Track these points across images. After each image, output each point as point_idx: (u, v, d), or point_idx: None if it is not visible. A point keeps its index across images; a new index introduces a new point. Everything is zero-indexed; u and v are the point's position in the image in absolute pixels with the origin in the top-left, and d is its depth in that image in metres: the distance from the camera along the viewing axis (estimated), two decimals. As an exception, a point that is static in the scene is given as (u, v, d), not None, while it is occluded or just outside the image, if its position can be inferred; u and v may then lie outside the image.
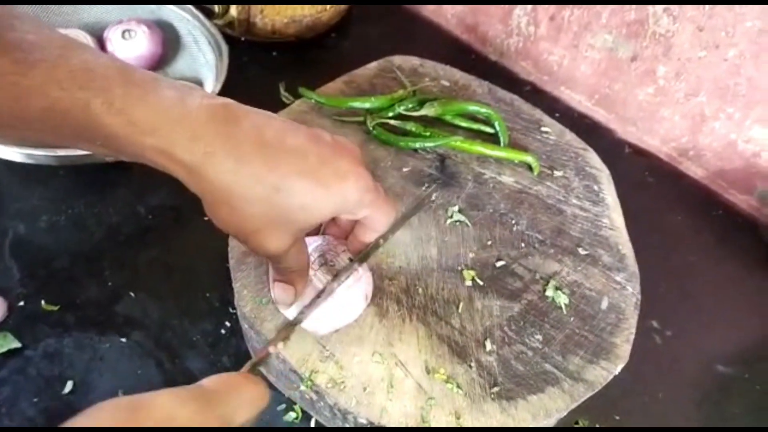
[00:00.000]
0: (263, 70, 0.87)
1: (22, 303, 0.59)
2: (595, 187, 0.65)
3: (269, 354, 0.45)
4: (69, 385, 0.54)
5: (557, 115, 0.75)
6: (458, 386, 0.48)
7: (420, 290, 0.54)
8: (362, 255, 0.51)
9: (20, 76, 0.32)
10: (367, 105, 0.65)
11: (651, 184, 0.82)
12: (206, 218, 0.65)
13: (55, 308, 0.59)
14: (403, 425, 0.46)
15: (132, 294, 0.61)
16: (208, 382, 0.32)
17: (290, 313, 0.49)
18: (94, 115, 0.32)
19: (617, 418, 0.58)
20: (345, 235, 0.51)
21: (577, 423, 0.57)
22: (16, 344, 0.56)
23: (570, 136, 0.70)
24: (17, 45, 0.32)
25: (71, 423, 0.27)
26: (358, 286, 0.50)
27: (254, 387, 0.34)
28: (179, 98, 0.34)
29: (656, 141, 0.86)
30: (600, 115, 0.89)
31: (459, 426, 0.47)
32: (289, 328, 0.48)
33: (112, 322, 0.59)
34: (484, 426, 0.47)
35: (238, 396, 0.32)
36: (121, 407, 0.28)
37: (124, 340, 0.58)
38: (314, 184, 0.37)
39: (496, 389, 0.49)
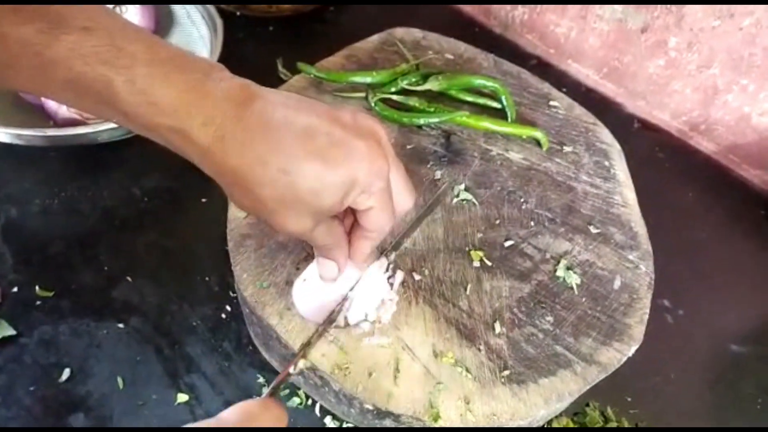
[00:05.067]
0: (259, 46, 0.84)
1: (15, 289, 0.57)
2: (606, 163, 0.62)
3: (290, 375, 0.43)
4: (66, 373, 0.53)
5: (564, 90, 0.72)
6: (467, 370, 0.47)
7: (426, 272, 0.52)
8: (390, 247, 0.49)
9: (44, 47, 0.31)
10: (368, 79, 0.62)
11: (661, 160, 0.80)
12: (204, 200, 0.63)
13: (50, 294, 0.57)
14: (411, 411, 0.45)
15: (129, 279, 0.59)
16: (228, 414, 0.33)
17: (310, 314, 0.47)
18: (115, 93, 0.33)
19: (629, 399, 0.57)
20: None
21: (588, 405, 0.55)
22: (11, 331, 0.54)
23: (579, 111, 0.67)
24: (43, 14, 0.31)
25: None
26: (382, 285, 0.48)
27: (274, 413, 0.34)
28: (200, 80, 0.34)
29: (666, 115, 0.83)
30: (608, 89, 0.87)
31: (469, 410, 0.45)
32: (308, 344, 0.46)
33: (109, 308, 0.57)
34: (495, 411, 0.45)
35: (259, 425, 0.33)
36: None
37: (121, 326, 0.56)
38: (322, 165, 0.35)
39: (506, 373, 0.47)
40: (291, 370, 0.43)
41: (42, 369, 0.53)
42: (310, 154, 0.35)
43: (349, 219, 0.44)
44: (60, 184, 0.65)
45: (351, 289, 0.47)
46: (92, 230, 0.62)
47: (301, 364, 0.44)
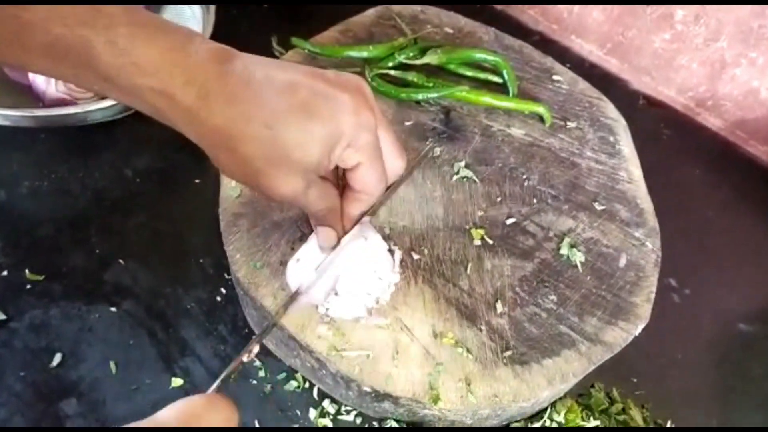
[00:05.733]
0: (253, 24, 0.82)
1: (5, 273, 0.56)
2: (611, 139, 0.61)
3: (242, 363, 0.38)
4: (57, 358, 0.52)
5: (567, 66, 0.70)
6: (468, 351, 0.45)
7: (425, 251, 0.50)
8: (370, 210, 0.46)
9: (21, 9, 0.31)
10: (364, 54, 0.60)
11: (667, 137, 0.78)
12: (197, 181, 0.61)
13: (40, 278, 0.56)
14: (410, 393, 0.44)
15: (121, 261, 0.58)
16: (165, 413, 0.27)
17: (294, 285, 0.45)
18: (96, 55, 0.32)
19: (634, 380, 0.56)
20: None
21: (592, 386, 0.54)
22: (1, 316, 0.53)
23: (584, 85, 0.65)
24: None
25: None
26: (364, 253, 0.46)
27: (220, 412, 0.28)
28: (182, 41, 0.34)
29: (672, 91, 0.81)
30: (612, 65, 0.84)
31: (470, 392, 0.44)
32: (286, 305, 0.43)
33: (100, 291, 0.56)
34: (497, 392, 0.44)
35: (201, 425, 0.28)
36: None
37: (113, 309, 0.55)
38: (305, 117, 0.35)
39: (508, 353, 0.46)
40: (244, 358, 0.38)
41: (32, 354, 0.52)
42: (293, 106, 0.35)
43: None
44: (50, 166, 0.63)
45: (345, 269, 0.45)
46: (83, 212, 0.61)
47: (255, 350, 0.39)
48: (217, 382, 0.33)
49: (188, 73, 0.33)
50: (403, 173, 0.43)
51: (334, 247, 0.43)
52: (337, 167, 0.40)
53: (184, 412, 0.27)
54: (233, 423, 0.29)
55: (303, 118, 0.35)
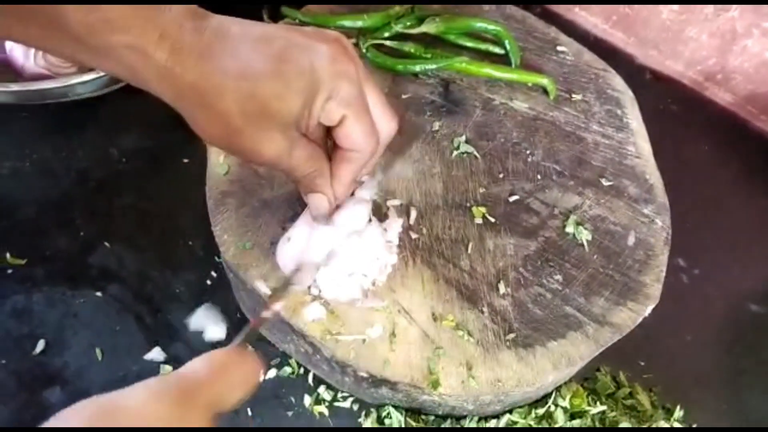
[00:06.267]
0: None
1: (-16, 257, 0.53)
2: (618, 112, 0.58)
3: (263, 321, 0.39)
4: (41, 344, 0.50)
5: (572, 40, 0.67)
6: (469, 334, 0.43)
7: (424, 230, 0.48)
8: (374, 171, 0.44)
9: None
10: (359, 23, 0.57)
11: (675, 113, 0.75)
12: (185, 160, 0.59)
13: (22, 262, 0.54)
14: (408, 378, 0.41)
15: (107, 244, 0.56)
16: (191, 366, 0.29)
17: (288, 268, 0.43)
18: (66, 13, 0.30)
19: (642, 363, 0.54)
20: None
21: (599, 370, 0.52)
22: (-20, 302, 0.51)
23: (589, 56, 0.62)
24: None
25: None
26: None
27: (244, 365, 0.30)
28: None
29: (680, 65, 0.78)
30: (618, 38, 0.81)
31: (471, 377, 0.42)
32: (283, 287, 0.42)
33: (85, 275, 0.54)
34: (500, 377, 0.42)
35: (226, 378, 0.30)
36: (94, 410, 0.26)
37: (99, 294, 0.53)
38: (280, 64, 0.34)
39: (511, 336, 0.43)
40: (265, 314, 0.38)
41: (14, 341, 0.50)
42: (269, 57, 0.34)
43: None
44: (31, 146, 0.61)
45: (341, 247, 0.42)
46: (66, 193, 0.58)
47: (278, 306, 0.40)
48: (238, 338, 0.34)
49: (161, 28, 0.32)
50: (396, 140, 0.41)
51: (327, 220, 0.41)
52: (327, 134, 0.38)
53: (213, 362, 0.29)
54: (257, 375, 0.31)
55: (278, 67, 0.34)
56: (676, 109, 0.76)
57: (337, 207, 0.41)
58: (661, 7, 0.75)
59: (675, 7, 0.74)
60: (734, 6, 0.69)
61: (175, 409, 0.26)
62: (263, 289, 0.44)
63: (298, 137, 0.36)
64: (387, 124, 0.39)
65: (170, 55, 0.32)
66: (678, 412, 0.51)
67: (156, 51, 0.32)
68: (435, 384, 0.41)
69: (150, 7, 0.32)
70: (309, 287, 0.43)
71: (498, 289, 0.45)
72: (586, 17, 0.83)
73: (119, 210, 0.58)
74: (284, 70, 0.34)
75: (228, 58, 0.33)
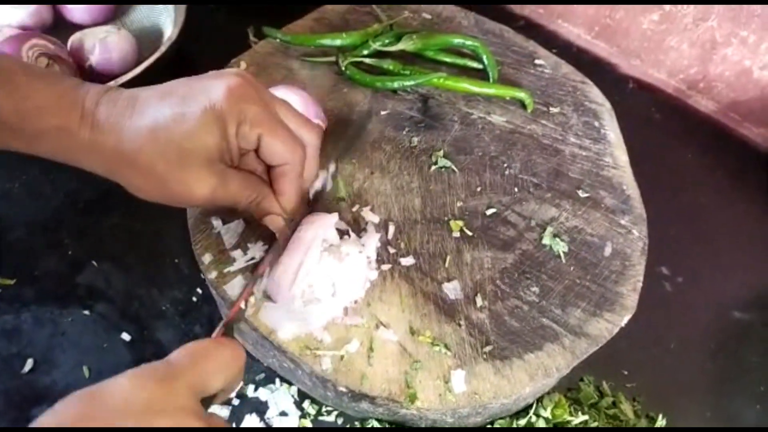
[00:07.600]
0: (230, 15, 0.80)
1: (-25, 278, 0.54)
2: (596, 123, 0.58)
3: (241, 310, 0.41)
4: (29, 363, 0.50)
5: (554, 51, 0.68)
6: (446, 347, 0.44)
7: (402, 244, 0.48)
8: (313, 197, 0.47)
9: None
10: (338, 42, 0.58)
11: (658, 121, 0.76)
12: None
13: (11, 282, 0.55)
14: (386, 392, 0.42)
15: (94, 263, 0.56)
16: (176, 354, 0.32)
17: (277, 295, 0.44)
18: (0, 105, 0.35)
19: (625, 372, 0.54)
20: None
21: (582, 379, 0.52)
22: (-30, 323, 0.52)
23: (567, 69, 0.63)
24: None
25: (38, 423, 0.27)
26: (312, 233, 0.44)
27: (226, 350, 0.33)
28: (73, 86, 0.38)
29: (663, 74, 0.79)
30: (601, 48, 0.82)
31: (449, 389, 0.42)
32: (253, 283, 0.43)
33: (73, 294, 0.55)
34: (477, 389, 0.42)
35: (209, 363, 0.31)
36: (81, 397, 0.28)
37: (87, 312, 0.54)
38: (184, 108, 0.37)
39: (488, 348, 0.44)
40: (242, 305, 0.40)
41: (3, 360, 0.50)
42: (173, 105, 0.37)
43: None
44: (20, 168, 0.62)
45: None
46: (55, 214, 0.59)
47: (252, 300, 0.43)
48: (219, 328, 0.36)
49: (81, 108, 0.36)
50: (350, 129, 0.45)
51: (290, 233, 0.43)
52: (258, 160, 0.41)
53: (194, 352, 0.31)
54: (241, 359, 0.33)
55: (183, 111, 0.37)
56: (659, 118, 0.77)
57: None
58: (641, 17, 0.76)
59: (655, 17, 0.75)
60: (712, 15, 0.70)
61: (158, 390, 0.28)
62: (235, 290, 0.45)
63: (226, 170, 0.39)
64: (308, 133, 0.42)
65: (91, 130, 0.36)
66: (660, 421, 0.51)
67: (80, 129, 0.36)
68: (412, 398, 0.42)
69: (70, 92, 0.37)
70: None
71: (475, 302, 0.46)
72: (568, 28, 0.84)
73: (107, 229, 0.59)
74: (188, 112, 0.36)
75: (139, 118, 0.37)
